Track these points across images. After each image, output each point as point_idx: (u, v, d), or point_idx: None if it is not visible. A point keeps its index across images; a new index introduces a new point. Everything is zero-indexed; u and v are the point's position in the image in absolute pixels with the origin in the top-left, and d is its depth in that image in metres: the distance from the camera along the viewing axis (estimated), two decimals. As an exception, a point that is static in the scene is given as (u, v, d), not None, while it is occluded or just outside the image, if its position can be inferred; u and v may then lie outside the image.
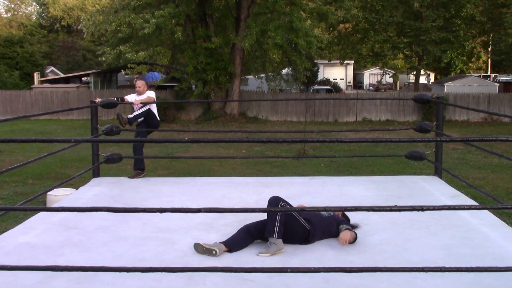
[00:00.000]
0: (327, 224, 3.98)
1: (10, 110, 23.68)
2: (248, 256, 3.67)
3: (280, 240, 3.73)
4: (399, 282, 3.18)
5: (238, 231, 3.90)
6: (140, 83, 6.85)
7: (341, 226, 3.93)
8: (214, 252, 3.63)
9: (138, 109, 6.68)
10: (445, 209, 2.56)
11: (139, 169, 6.60)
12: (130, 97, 6.92)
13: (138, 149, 6.75)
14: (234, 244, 3.77)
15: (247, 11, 20.50)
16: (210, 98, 20.95)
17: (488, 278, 3.18)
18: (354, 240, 3.88)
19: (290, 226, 3.85)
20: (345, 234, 3.80)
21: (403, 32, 26.86)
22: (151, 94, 6.84)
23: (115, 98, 6.88)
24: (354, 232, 3.94)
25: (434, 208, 2.50)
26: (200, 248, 3.70)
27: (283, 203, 3.92)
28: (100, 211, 2.47)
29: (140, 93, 6.78)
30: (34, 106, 23.72)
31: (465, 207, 2.57)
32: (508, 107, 23.12)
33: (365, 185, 5.73)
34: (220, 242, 3.76)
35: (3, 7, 55.54)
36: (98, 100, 6.19)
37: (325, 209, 2.59)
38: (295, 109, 22.88)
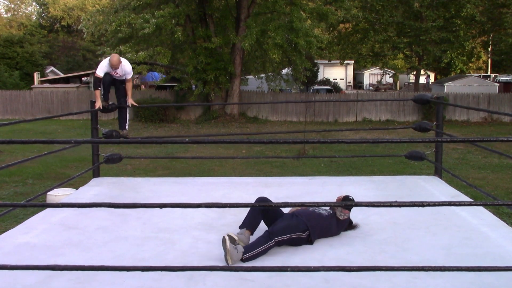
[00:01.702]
0: (327, 223, 3.97)
1: (10, 110, 23.69)
2: (248, 256, 3.67)
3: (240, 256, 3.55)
4: (399, 282, 3.17)
5: (248, 213, 3.94)
6: (116, 61, 6.28)
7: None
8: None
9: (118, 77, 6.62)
10: (445, 205, 2.69)
11: (125, 129, 6.82)
12: (102, 70, 6.46)
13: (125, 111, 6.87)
14: (245, 225, 3.84)
15: (247, 11, 20.50)
16: (210, 98, 20.95)
17: (488, 278, 3.18)
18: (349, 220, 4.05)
19: (292, 226, 3.84)
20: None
21: (403, 32, 26.86)
22: (129, 71, 6.64)
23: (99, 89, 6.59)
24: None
25: (434, 204, 2.55)
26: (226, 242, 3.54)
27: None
28: (101, 207, 2.48)
29: (116, 69, 6.42)
30: (34, 106, 23.74)
31: (465, 203, 2.60)
32: (508, 107, 23.12)
33: (365, 185, 5.73)
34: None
35: (3, 7, 55.58)
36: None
37: (325, 204, 2.60)
38: (295, 109, 22.88)
